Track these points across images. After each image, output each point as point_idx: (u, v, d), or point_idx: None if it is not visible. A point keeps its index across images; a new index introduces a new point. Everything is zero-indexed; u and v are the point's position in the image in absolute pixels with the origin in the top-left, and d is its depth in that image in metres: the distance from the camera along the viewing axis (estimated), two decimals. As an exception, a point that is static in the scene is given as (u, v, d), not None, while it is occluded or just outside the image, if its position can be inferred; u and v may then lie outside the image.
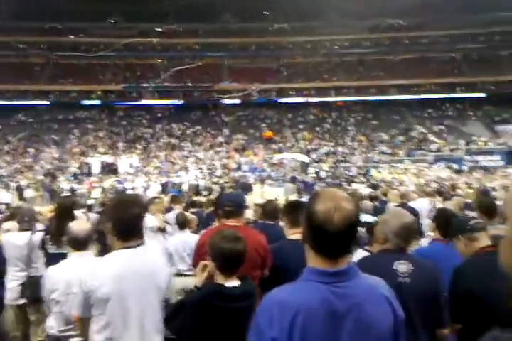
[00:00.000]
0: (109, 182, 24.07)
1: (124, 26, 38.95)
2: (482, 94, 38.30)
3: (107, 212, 2.49)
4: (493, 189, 14.66)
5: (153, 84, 37.13)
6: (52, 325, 2.98)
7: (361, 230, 4.56)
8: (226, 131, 36.23)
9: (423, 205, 7.40)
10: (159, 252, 2.66)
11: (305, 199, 8.95)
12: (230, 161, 30.29)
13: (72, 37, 39.63)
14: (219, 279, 2.29)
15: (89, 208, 9.88)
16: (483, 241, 2.65)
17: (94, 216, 6.77)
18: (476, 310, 2.32)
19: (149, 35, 38.15)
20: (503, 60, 40.03)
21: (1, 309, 3.88)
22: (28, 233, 4.47)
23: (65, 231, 3.20)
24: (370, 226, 3.79)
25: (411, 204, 7.45)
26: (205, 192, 17.86)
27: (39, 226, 4.84)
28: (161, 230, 6.26)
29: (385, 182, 22.11)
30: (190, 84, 38.63)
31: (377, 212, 6.26)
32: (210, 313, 2.20)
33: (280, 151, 31.84)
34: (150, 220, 6.23)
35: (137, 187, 21.76)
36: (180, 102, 38.98)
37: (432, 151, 32.50)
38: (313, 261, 1.43)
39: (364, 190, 15.56)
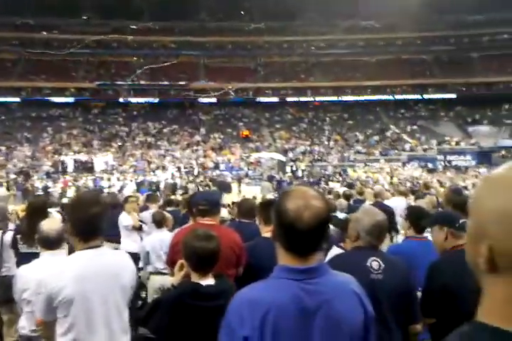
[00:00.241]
0: (85, 180, 23.70)
1: (98, 23, 38.35)
2: (453, 96, 39.16)
3: (67, 212, 2.42)
4: (465, 188, 15.02)
5: (128, 82, 36.65)
6: (24, 325, 2.93)
7: (332, 228, 4.62)
8: (203, 130, 36.09)
9: (398, 204, 7.52)
10: (123, 252, 2.61)
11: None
12: (207, 160, 30.20)
13: (44, 33, 38.76)
14: (194, 278, 2.28)
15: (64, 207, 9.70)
16: (463, 239, 2.70)
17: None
18: (449, 306, 2.37)
19: (124, 32, 37.63)
20: (473, 62, 41.03)
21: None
22: (-1, 232, 4.37)
23: (36, 231, 3.14)
24: (343, 224, 3.84)
25: (386, 202, 7.56)
26: (180, 191, 17.75)
27: (11, 225, 4.74)
28: (136, 229, 6.21)
29: (361, 181, 22.39)
30: (166, 83, 38.32)
31: (351, 210, 6.35)
32: (186, 312, 2.18)
33: (257, 150, 31.91)
34: (125, 219, 6.18)
35: (113, 186, 21.49)
36: (156, 100, 38.63)
37: (406, 151, 33.10)
38: (284, 258, 1.43)
39: (340, 188, 15.73)
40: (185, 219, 6.70)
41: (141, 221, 6.45)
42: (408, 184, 20.69)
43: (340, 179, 25.87)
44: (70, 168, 27.36)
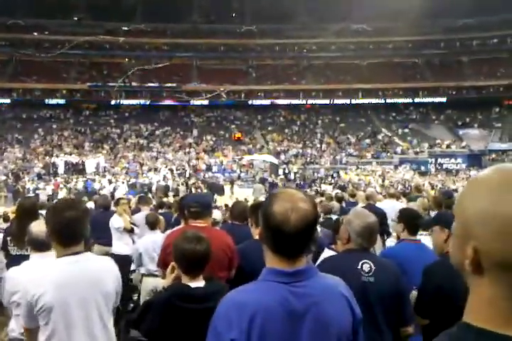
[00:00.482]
0: (76, 182, 23.55)
1: (90, 24, 38.17)
2: (444, 99, 39.45)
3: (46, 218, 2.38)
4: (456, 191, 15.12)
5: (120, 84, 36.51)
6: (14, 327, 2.90)
7: (325, 230, 4.64)
8: (195, 132, 36.04)
9: (390, 206, 7.55)
10: (107, 258, 2.58)
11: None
12: (199, 162, 30.16)
13: (35, 34, 38.51)
14: (184, 280, 2.27)
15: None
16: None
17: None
18: (444, 308, 2.39)
19: (116, 33, 37.48)
20: (464, 66, 41.41)
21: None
22: (-12, 234, 4.33)
23: (26, 233, 3.11)
24: (335, 225, 3.85)
25: (378, 205, 7.59)
26: (171, 193, 17.70)
27: (0, 227, 4.70)
28: (128, 231, 6.18)
29: (353, 184, 22.49)
30: (157, 85, 38.25)
31: (343, 213, 6.37)
32: (176, 314, 2.17)
33: (249, 153, 31.92)
34: (116, 221, 6.15)
35: (104, 188, 21.38)
36: (148, 102, 38.53)
37: (397, 154, 33.30)
38: (271, 261, 1.43)
39: (331, 191, 15.78)
40: (178, 222, 6.71)
41: (132, 223, 6.42)
42: (400, 186, 20.81)
43: (332, 181, 25.96)
44: (61, 169, 27.17)
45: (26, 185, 22.66)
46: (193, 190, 21.18)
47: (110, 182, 23.14)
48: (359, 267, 2.41)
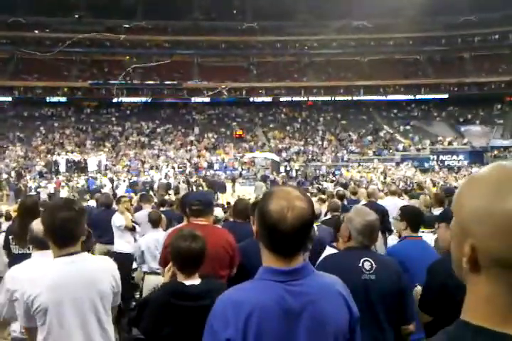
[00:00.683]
0: (78, 180, 23.58)
1: (91, 21, 38.10)
2: (445, 96, 39.36)
3: (41, 218, 2.37)
4: (457, 188, 15.09)
5: (121, 81, 36.48)
6: (15, 327, 2.91)
7: (327, 228, 4.63)
8: (197, 130, 36.04)
9: (391, 203, 7.55)
10: (105, 257, 2.58)
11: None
12: (201, 160, 30.17)
13: (36, 32, 38.49)
14: (180, 278, 2.29)
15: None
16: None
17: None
18: (447, 305, 2.39)
19: (117, 31, 37.44)
20: (465, 63, 41.29)
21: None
22: (-9, 233, 4.34)
23: (28, 231, 3.12)
24: (336, 223, 3.85)
25: (380, 202, 7.59)
26: (171, 191, 17.72)
27: (3, 225, 4.71)
28: (129, 229, 6.19)
29: (354, 181, 22.47)
30: (159, 82, 38.22)
31: (345, 210, 6.36)
32: (171, 312, 2.19)
33: (251, 150, 31.91)
34: (118, 219, 6.16)
35: (105, 186, 21.40)
36: (149, 100, 38.52)
37: (399, 151, 33.26)
38: (268, 259, 1.43)
39: (333, 188, 15.77)
40: (180, 220, 6.71)
41: (134, 221, 6.43)
42: (401, 184, 20.80)
43: (334, 179, 25.95)
44: (63, 168, 27.20)
45: (28, 184, 22.68)
46: (195, 188, 21.19)
47: (112, 180, 23.13)
48: (360, 265, 2.42)
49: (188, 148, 32.70)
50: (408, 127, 37.41)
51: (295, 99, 39.85)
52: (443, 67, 40.37)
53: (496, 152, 33.18)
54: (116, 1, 37.70)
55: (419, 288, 2.73)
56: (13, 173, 25.25)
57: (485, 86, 39.07)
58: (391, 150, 33.25)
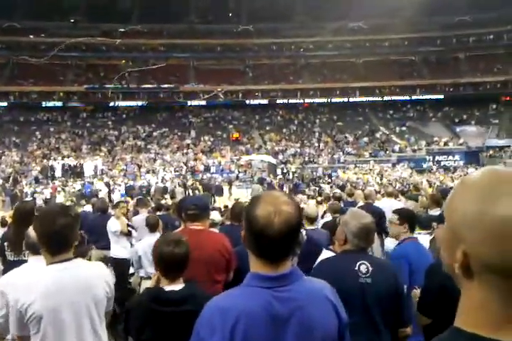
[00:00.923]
0: (74, 185, 23.48)
1: (86, 26, 38.08)
2: (441, 96, 39.48)
3: (33, 225, 2.36)
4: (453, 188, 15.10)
5: (117, 85, 36.45)
6: (8, 336, 2.89)
7: (324, 231, 4.62)
8: (193, 133, 36.02)
9: (388, 205, 7.55)
10: (98, 263, 2.57)
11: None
12: (197, 163, 30.14)
13: (32, 36, 38.43)
14: (163, 283, 2.28)
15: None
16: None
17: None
18: (446, 307, 2.38)
19: (112, 35, 37.42)
20: (460, 63, 41.45)
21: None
22: (-15, 240, 4.30)
23: (23, 237, 3.10)
24: (331, 227, 3.85)
25: (376, 203, 7.59)
26: (167, 195, 17.65)
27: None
28: (125, 234, 6.17)
29: (351, 183, 22.47)
30: (155, 86, 38.20)
31: (340, 213, 6.35)
32: (154, 318, 2.18)
33: (247, 153, 31.90)
34: (113, 224, 6.13)
35: (100, 191, 21.30)
36: (145, 103, 38.49)
37: (395, 152, 33.31)
38: (255, 265, 1.41)
39: (329, 190, 15.76)
40: (176, 225, 6.69)
41: (130, 226, 6.41)
42: (398, 185, 20.81)
43: (330, 181, 25.94)
44: (58, 172, 27.09)
45: (24, 189, 22.57)
46: (191, 191, 21.14)
47: (108, 184, 23.02)
48: (356, 268, 2.41)
49: (185, 151, 32.68)
50: (404, 128, 37.50)
51: (291, 101, 39.89)
52: (438, 68, 40.52)
53: (491, 152, 33.28)
54: (112, 5, 37.74)
55: (417, 291, 2.73)
56: (10, 179, 25.08)
57: (480, 86, 39.23)
58: (387, 152, 33.31)
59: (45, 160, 29.26)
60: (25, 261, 3.07)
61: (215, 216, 6.32)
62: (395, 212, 3.63)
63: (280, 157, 31.49)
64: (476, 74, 39.25)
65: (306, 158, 32.00)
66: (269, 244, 1.36)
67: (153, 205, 9.46)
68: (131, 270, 5.95)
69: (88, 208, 10.31)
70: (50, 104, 37.42)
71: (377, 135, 36.22)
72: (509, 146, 33.42)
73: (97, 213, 7.29)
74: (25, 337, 2.17)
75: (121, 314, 2.44)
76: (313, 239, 4.12)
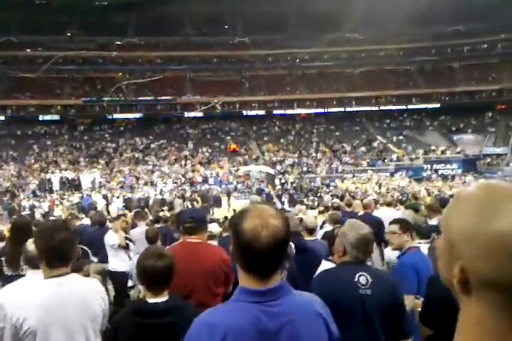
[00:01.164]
0: (72, 198, 23.41)
1: (83, 39, 38.32)
2: (437, 105, 39.71)
3: (34, 240, 2.36)
4: (452, 196, 15.13)
5: (114, 98, 36.56)
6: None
7: (323, 241, 4.60)
8: (191, 145, 36.07)
9: (387, 214, 7.54)
10: (92, 279, 2.56)
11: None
12: (195, 174, 30.12)
13: (28, 50, 38.63)
14: (147, 296, 2.28)
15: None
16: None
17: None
18: (448, 318, 2.36)
19: (109, 48, 37.66)
20: (455, 72, 41.79)
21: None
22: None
23: (21, 252, 3.07)
24: (330, 237, 3.84)
25: (375, 213, 7.57)
26: (165, 207, 17.59)
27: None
28: (123, 247, 6.13)
29: (349, 193, 22.46)
30: (152, 98, 38.34)
31: (339, 223, 6.33)
32: (139, 330, 2.18)
33: (245, 163, 31.92)
34: (111, 238, 6.10)
35: (97, 204, 21.23)
36: (143, 116, 38.59)
37: (393, 161, 33.38)
38: (244, 280, 1.39)
39: (329, 200, 15.74)
40: (173, 238, 6.66)
41: (128, 239, 6.37)
42: (396, 194, 20.80)
43: (328, 190, 25.92)
44: (56, 186, 27.02)
45: (22, 203, 22.49)
46: (189, 203, 21.10)
47: (106, 197, 22.97)
48: (356, 280, 2.40)
49: (183, 162, 32.68)
50: (401, 137, 37.63)
51: (288, 111, 40.04)
52: (433, 77, 40.82)
53: (488, 160, 33.39)
54: (108, 18, 37.98)
55: (419, 301, 2.72)
56: (8, 193, 25.00)
57: (475, 95, 39.51)
58: (385, 161, 33.37)
59: (42, 174, 29.21)
60: (23, 276, 3.05)
61: (213, 228, 6.30)
62: (393, 222, 3.63)
63: (278, 167, 31.52)
64: (471, 83, 39.55)
65: (304, 168, 32.02)
66: (256, 257, 1.34)
67: (151, 218, 9.45)
68: (130, 283, 5.91)
69: (86, 221, 10.27)
70: (48, 117, 37.46)
71: (375, 144, 36.32)
72: (506, 154, 33.55)
73: (95, 226, 7.26)
74: None
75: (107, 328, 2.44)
76: (312, 249, 4.10)
